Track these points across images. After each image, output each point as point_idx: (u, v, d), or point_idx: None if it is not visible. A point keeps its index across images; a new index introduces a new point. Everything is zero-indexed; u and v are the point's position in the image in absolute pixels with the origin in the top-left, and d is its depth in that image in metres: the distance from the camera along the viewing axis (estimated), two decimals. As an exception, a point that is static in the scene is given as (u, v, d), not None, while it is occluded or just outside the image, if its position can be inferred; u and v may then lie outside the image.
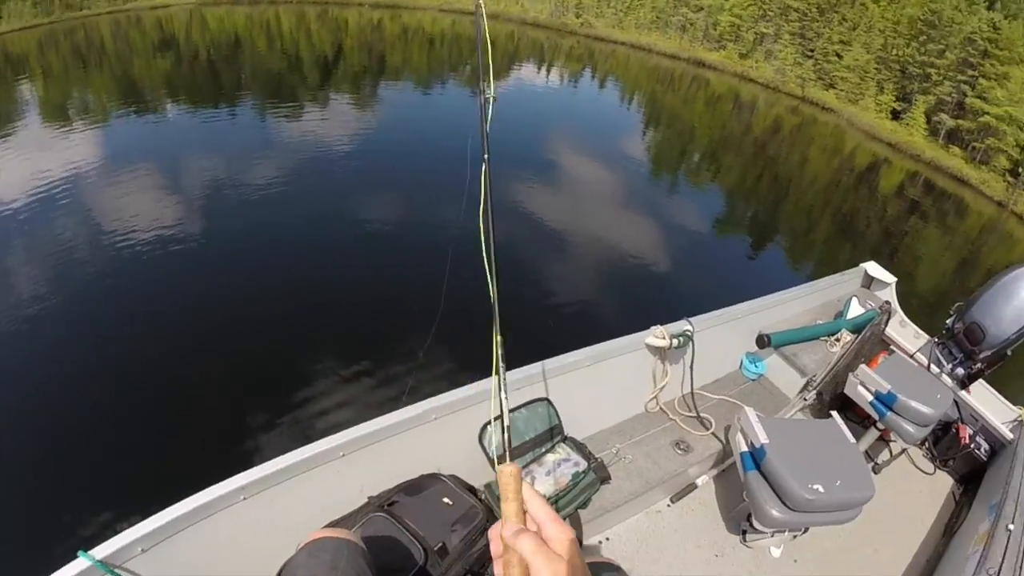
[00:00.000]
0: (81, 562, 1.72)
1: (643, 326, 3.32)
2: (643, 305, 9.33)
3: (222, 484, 2.03)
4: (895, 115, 43.17)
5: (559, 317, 8.46)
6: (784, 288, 4.36)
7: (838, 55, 46.59)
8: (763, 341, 3.85)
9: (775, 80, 46.82)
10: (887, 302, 4.57)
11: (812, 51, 48.17)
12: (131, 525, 1.86)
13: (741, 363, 4.13)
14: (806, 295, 4.47)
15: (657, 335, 3.22)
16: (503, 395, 1.45)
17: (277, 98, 20.12)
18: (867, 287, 5.03)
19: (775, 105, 41.26)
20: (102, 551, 1.77)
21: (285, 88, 22.25)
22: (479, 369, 2.77)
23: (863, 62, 44.64)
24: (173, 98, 19.08)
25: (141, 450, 5.58)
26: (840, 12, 47.90)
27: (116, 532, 1.83)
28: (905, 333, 4.70)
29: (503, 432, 1.25)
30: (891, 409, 3.37)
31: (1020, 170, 35.24)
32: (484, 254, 1.69)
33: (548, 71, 38.49)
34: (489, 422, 2.72)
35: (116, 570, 1.79)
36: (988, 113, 37.62)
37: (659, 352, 3.34)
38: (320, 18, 40.33)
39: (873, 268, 4.95)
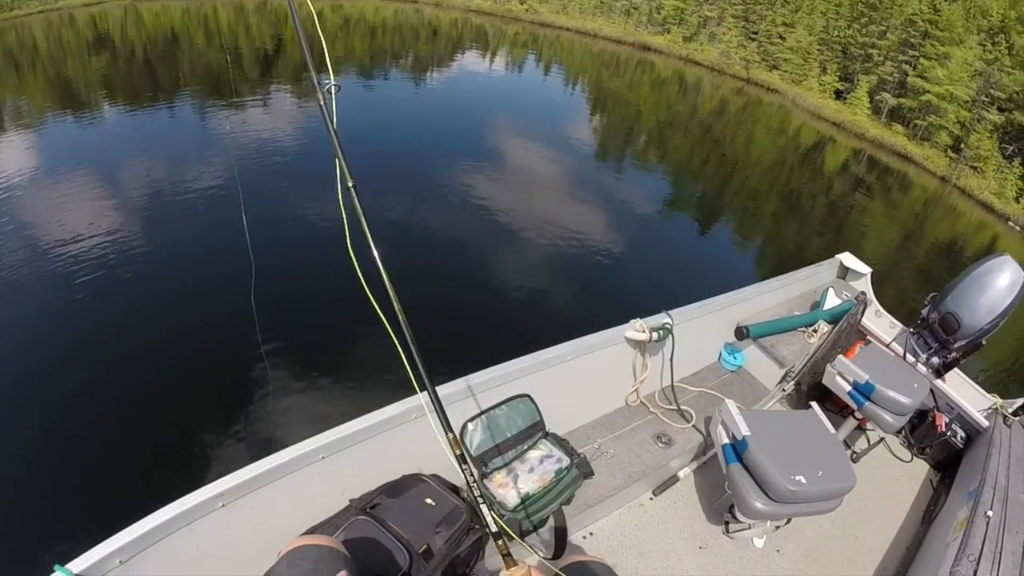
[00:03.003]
0: None
1: (622, 320, 3.31)
2: (621, 299, 9.32)
3: (200, 491, 1.98)
4: (838, 95, 44.42)
5: (536, 313, 8.44)
6: (761, 279, 4.39)
7: (781, 37, 47.77)
8: (741, 333, 3.88)
9: (720, 62, 47.76)
10: (863, 292, 4.62)
11: (756, 33, 49.23)
12: (108, 536, 1.82)
13: (720, 355, 4.15)
14: (783, 286, 4.50)
15: (637, 328, 3.21)
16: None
17: (217, 94, 19.71)
18: (843, 278, 5.08)
19: (720, 87, 41.97)
20: (79, 564, 1.73)
21: (224, 84, 21.84)
22: (459, 367, 2.76)
23: (806, 44, 45.86)
24: (110, 98, 18.58)
25: (117, 460, 5.48)
26: (783, -5, 49.13)
27: (93, 544, 1.79)
28: (881, 323, 4.76)
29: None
30: (869, 399, 3.41)
31: (962, 146, 36.48)
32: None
33: (492, 57, 38.36)
34: (469, 420, 2.70)
35: None
36: (929, 92, 38.94)
37: (639, 345, 3.34)
38: (259, 10, 39.60)
39: (849, 259, 5.00)
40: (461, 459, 1.55)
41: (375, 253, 1.69)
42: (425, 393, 1.69)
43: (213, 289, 7.99)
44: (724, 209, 17.08)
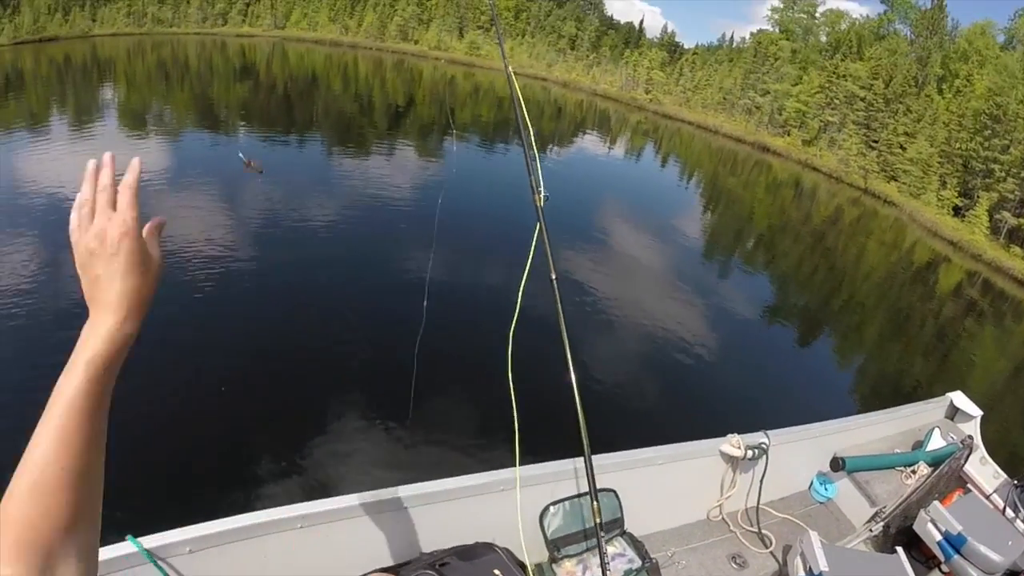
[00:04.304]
0: (128, 546, 1.83)
1: (709, 428, 3.34)
2: (712, 407, 9.06)
3: (283, 508, 2.12)
4: (956, 211, 42.11)
5: (631, 409, 8.35)
6: (859, 401, 4.30)
7: (902, 147, 46.27)
8: (837, 464, 3.79)
9: (838, 169, 46.90)
10: (970, 436, 4.41)
11: (876, 141, 47.94)
12: (188, 524, 1.97)
13: (811, 483, 4.06)
14: (887, 420, 4.37)
15: (733, 444, 3.22)
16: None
17: (346, 138, 20.72)
18: (951, 418, 4.86)
19: (836, 195, 41.17)
20: (151, 541, 1.87)
21: (354, 130, 22.89)
22: (548, 451, 2.83)
23: (926, 155, 44.09)
24: (247, 123, 19.90)
25: (227, 457, 5.84)
26: (905, 103, 47.88)
27: (170, 528, 1.94)
28: (984, 471, 4.51)
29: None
30: (959, 552, 3.26)
31: (1087, 275, 33.60)
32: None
33: (613, 143, 38.94)
34: (552, 503, 2.77)
35: (160, 562, 1.88)
36: (1052, 213, 35.99)
37: (732, 461, 3.34)
38: (396, 67, 41.70)
39: (959, 399, 4.79)
40: (599, 527, 1.67)
41: (565, 337, 1.94)
42: (516, 468, 1.82)
43: (381, 316, 8.82)
44: (829, 323, 16.44)
